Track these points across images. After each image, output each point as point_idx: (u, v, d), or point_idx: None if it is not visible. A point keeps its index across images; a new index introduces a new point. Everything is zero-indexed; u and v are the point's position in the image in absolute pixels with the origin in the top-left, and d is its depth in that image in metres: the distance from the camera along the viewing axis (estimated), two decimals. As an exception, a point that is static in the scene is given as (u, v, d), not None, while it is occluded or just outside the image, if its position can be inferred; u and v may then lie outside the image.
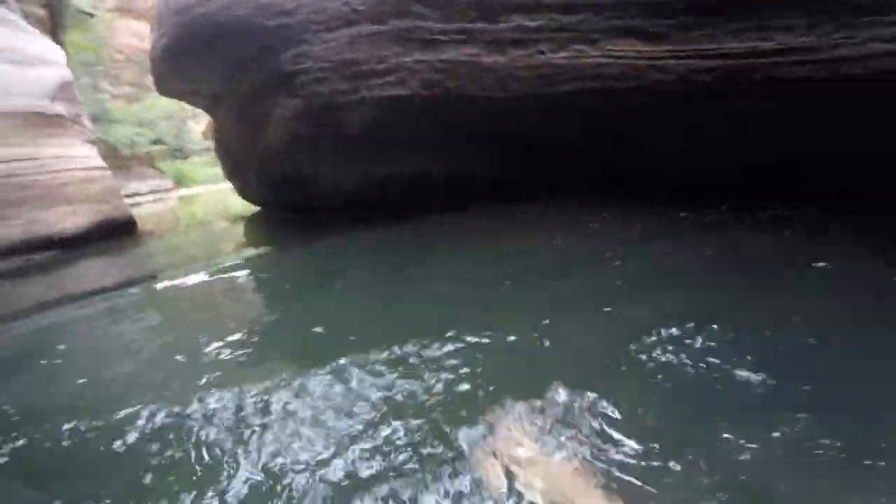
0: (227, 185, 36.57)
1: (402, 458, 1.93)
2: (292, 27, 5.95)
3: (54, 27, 22.24)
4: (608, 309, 3.24)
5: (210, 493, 1.89)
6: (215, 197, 24.10)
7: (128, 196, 29.79)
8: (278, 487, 1.86)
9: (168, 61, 7.87)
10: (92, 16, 31.46)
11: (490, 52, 5.60)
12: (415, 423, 2.14)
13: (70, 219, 9.08)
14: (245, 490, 1.88)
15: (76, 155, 9.87)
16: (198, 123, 52.42)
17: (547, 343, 2.86)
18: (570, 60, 5.36)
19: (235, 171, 9.59)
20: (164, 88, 8.53)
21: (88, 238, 9.27)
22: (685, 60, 4.97)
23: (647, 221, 5.37)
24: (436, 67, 5.76)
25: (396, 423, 2.14)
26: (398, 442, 2.03)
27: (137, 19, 46.71)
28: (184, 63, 7.72)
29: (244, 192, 10.39)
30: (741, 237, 4.60)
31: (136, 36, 48.37)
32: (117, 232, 10.03)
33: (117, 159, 32.69)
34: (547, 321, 3.09)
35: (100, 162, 10.52)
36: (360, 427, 2.16)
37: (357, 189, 7.15)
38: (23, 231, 8.43)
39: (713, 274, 3.81)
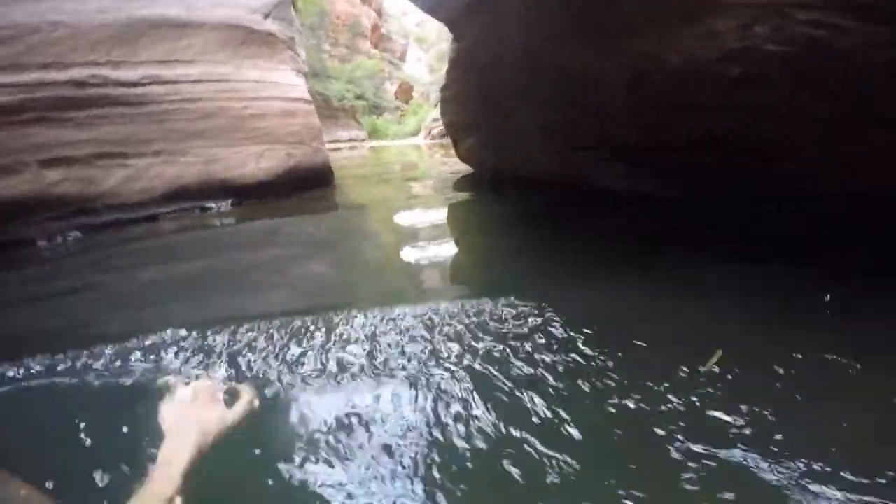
0: (410, 142, 35.10)
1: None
2: None
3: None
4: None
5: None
6: (403, 151, 22.08)
7: (331, 142, 29.70)
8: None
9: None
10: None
11: None
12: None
13: (254, 161, 6.23)
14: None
15: (280, 82, 6.98)
16: (392, 85, 52.53)
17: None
18: None
19: (473, 124, 5.79)
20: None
21: (274, 187, 6.39)
22: None
23: None
24: None
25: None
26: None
27: (353, -13, 46.89)
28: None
29: (474, 153, 6.51)
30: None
31: (349, 3, 48.70)
32: (310, 181, 7.06)
33: (329, 110, 32.86)
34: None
35: (305, 94, 7.59)
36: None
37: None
38: (198, 171, 5.74)
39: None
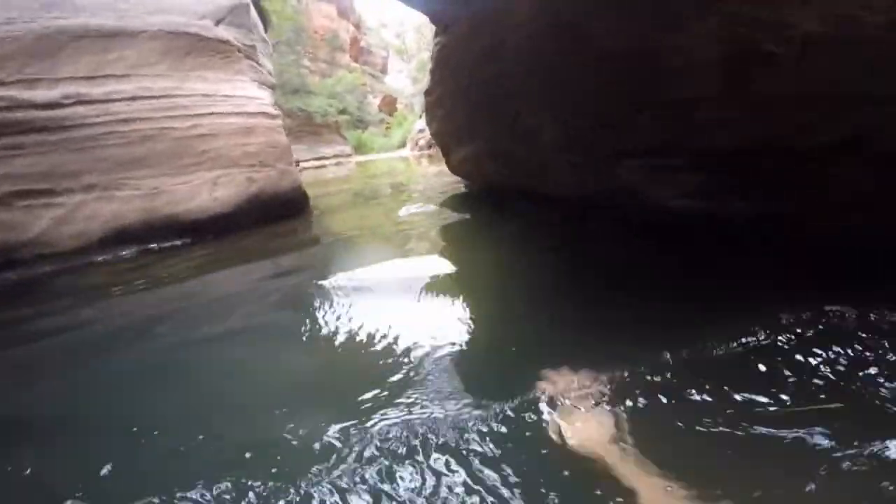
0: (397, 155, 33.99)
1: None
2: None
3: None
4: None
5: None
6: (390, 165, 20.88)
7: (316, 159, 28.50)
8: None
9: None
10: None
11: None
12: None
13: (208, 191, 5.21)
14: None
15: (235, 94, 5.98)
16: (375, 98, 51.59)
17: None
18: None
19: (466, 130, 4.81)
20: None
21: (235, 219, 5.37)
22: None
23: None
24: None
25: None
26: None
27: (328, 2, 46.29)
28: None
29: (470, 165, 5.51)
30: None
31: (327, 17, 48.00)
32: (277, 211, 5.99)
33: (312, 126, 31.84)
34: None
35: (269, 108, 6.59)
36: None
37: None
38: (140, 207, 4.73)
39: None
